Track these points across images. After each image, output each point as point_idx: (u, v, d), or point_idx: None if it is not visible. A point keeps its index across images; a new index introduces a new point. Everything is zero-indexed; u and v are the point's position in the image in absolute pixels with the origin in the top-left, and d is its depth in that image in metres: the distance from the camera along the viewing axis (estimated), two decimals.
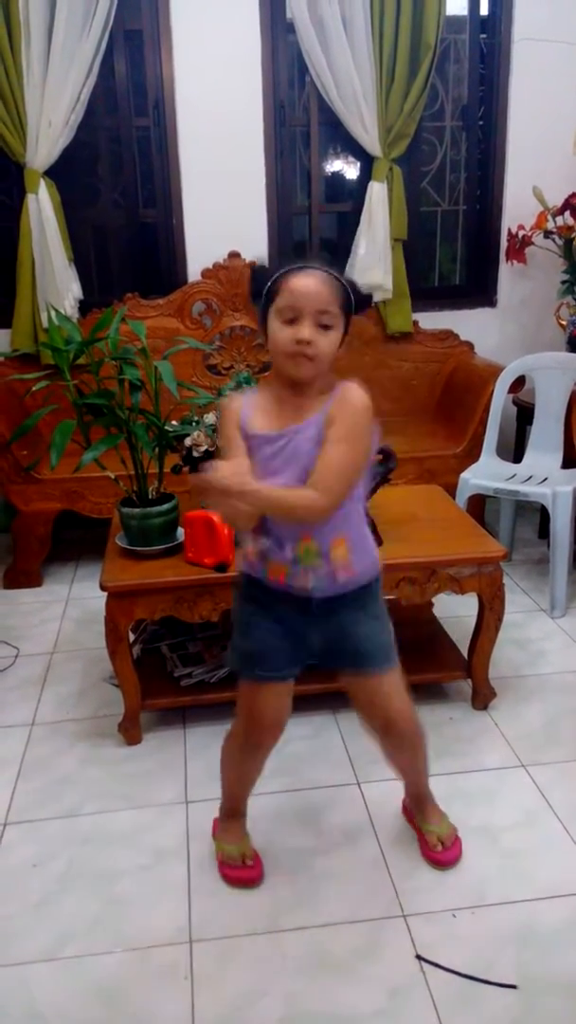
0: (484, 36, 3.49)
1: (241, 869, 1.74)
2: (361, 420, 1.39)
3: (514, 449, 3.45)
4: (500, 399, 3.07)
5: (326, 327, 1.36)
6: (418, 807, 1.83)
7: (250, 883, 1.73)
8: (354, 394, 1.41)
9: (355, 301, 1.41)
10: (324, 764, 2.08)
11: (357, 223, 3.42)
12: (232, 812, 1.79)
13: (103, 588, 2.03)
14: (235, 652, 1.63)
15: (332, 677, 2.25)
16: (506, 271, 3.65)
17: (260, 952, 1.56)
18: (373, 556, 1.56)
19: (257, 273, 1.45)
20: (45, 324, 3.18)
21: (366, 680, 1.61)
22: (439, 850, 1.77)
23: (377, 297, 3.43)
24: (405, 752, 1.72)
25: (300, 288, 1.35)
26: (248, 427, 1.44)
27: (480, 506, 3.18)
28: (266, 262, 3.41)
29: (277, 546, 1.48)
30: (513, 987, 1.47)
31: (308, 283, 1.36)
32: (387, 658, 1.59)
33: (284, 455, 1.42)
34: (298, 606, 1.53)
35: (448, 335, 3.57)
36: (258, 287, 1.42)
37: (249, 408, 1.46)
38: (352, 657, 1.59)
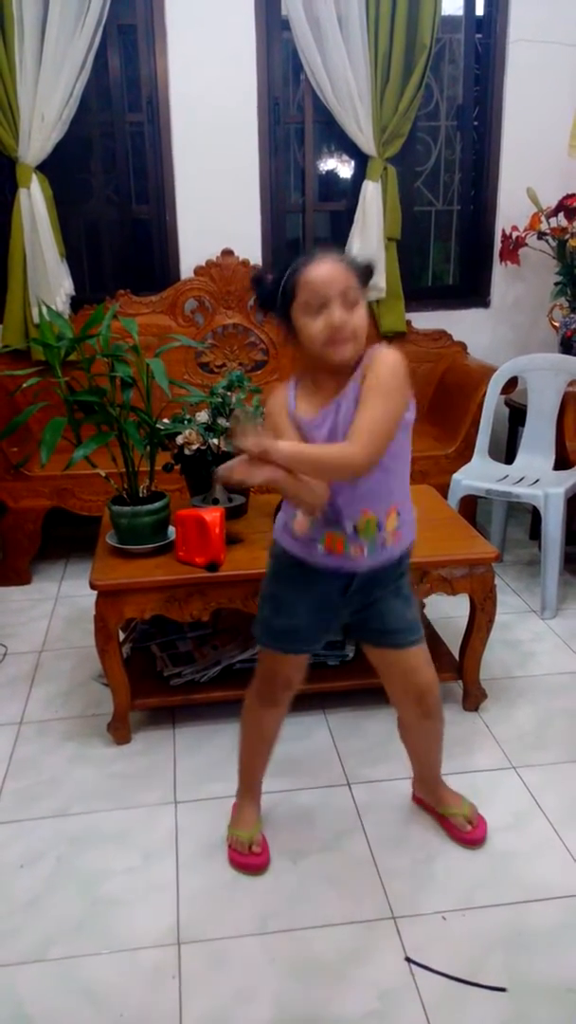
0: (479, 36, 3.49)
1: (247, 856, 1.76)
2: (392, 373, 1.41)
3: (506, 450, 3.45)
4: (492, 400, 3.07)
5: (352, 304, 1.39)
6: (434, 794, 1.85)
7: (255, 870, 1.74)
8: (383, 352, 1.43)
9: (363, 273, 1.43)
10: (314, 765, 2.07)
11: (351, 222, 3.42)
12: (246, 790, 1.82)
13: (93, 586, 2.02)
14: (265, 627, 1.66)
15: (322, 677, 2.24)
16: (499, 272, 3.65)
17: (248, 954, 1.56)
18: (412, 520, 1.61)
19: (258, 279, 1.46)
20: (36, 320, 3.16)
21: (396, 655, 1.65)
22: (469, 830, 1.80)
23: (370, 296, 3.42)
24: (435, 723, 1.75)
25: (321, 277, 1.37)
26: (296, 415, 1.48)
27: (472, 507, 3.18)
28: (259, 260, 3.43)
29: (335, 521, 1.50)
30: (503, 990, 1.47)
31: (326, 270, 1.38)
32: (414, 633, 1.64)
33: (337, 430, 1.44)
34: (338, 584, 1.57)
35: (441, 335, 3.56)
36: (265, 293, 1.44)
37: (295, 398, 1.50)
38: (381, 634, 1.64)
